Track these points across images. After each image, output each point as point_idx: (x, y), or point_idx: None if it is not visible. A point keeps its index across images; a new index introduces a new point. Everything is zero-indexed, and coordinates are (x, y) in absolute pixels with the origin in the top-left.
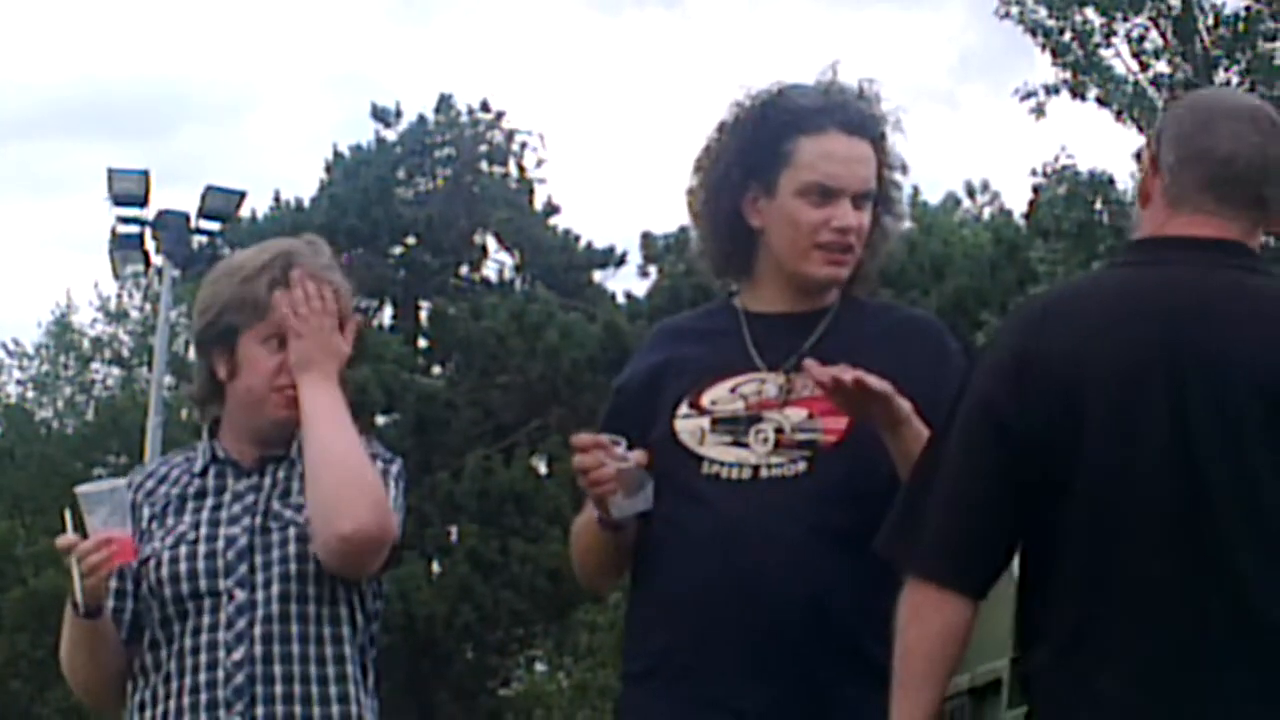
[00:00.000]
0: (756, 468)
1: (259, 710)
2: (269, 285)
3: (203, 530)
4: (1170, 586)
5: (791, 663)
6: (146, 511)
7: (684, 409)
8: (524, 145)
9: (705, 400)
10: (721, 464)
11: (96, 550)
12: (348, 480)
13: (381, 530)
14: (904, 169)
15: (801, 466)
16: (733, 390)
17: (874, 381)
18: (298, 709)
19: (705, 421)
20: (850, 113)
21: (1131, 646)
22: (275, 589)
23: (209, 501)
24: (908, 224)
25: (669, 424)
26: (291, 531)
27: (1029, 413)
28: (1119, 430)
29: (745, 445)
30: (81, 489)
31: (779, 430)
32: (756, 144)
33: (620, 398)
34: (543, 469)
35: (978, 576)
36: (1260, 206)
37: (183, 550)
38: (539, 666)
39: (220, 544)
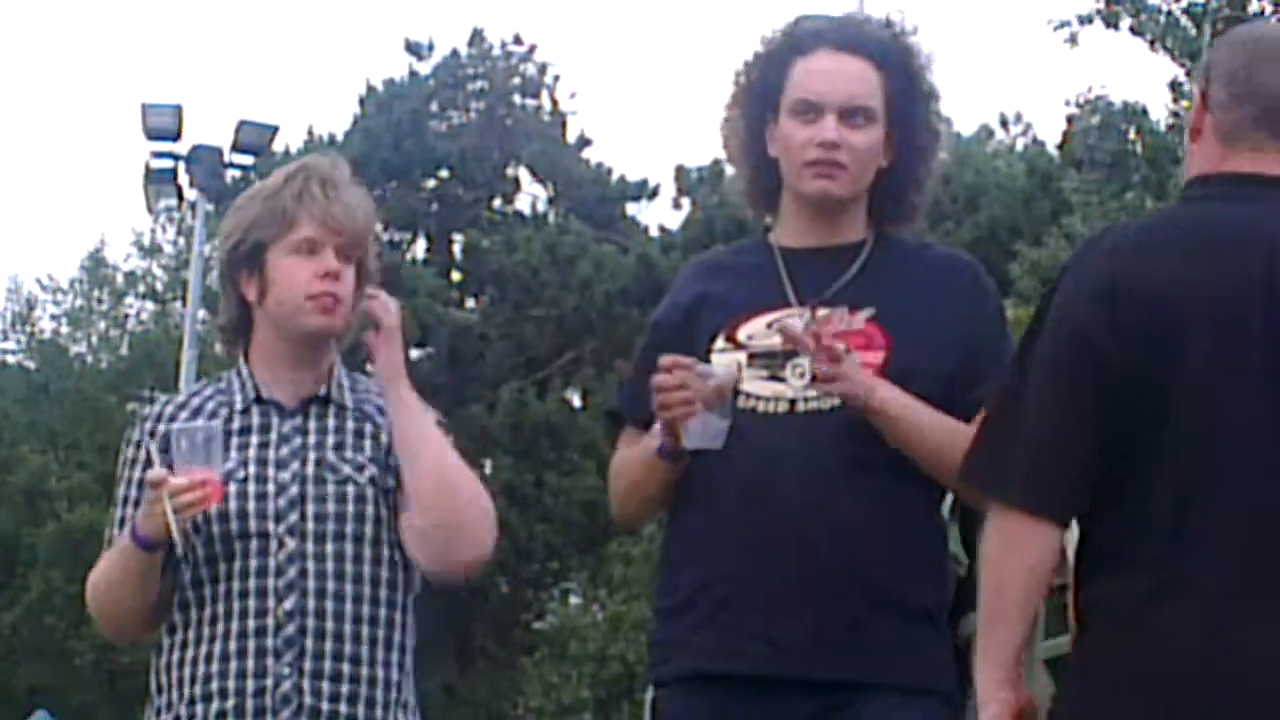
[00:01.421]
0: (793, 401)
1: (307, 663)
2: (292, 197)
3: (251, 469)
4: (1266, 514)
5: (826, 593)
6: (184, 443)
7: (720, 344)
8: (556, 78)
9: (741, 335)
10: (758, 397)
11: (191, 490)
12: (468, 507)
13: (492, 546)
14: (932, 96)
15: (836, 400)
16: (769, 325)
17: (847, 384)
18: (345, 666)
19: (741, 356)
20: (845, 33)
21: (1224, 573)
22: (330, 546)
23: (254, 439)
24: (943, 156)
25: (704, 358)
26: (350, 489)
27: (1126, 342)
28: (1218, 361)
29: (781, 379)
30: (176, 426)
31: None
32: (766, 74)
33: (657, 332)
34: (576, 401)
35: (1070, 504)
36: None
37: (232, 488)
38: (573, 599)
39: (270, 487)
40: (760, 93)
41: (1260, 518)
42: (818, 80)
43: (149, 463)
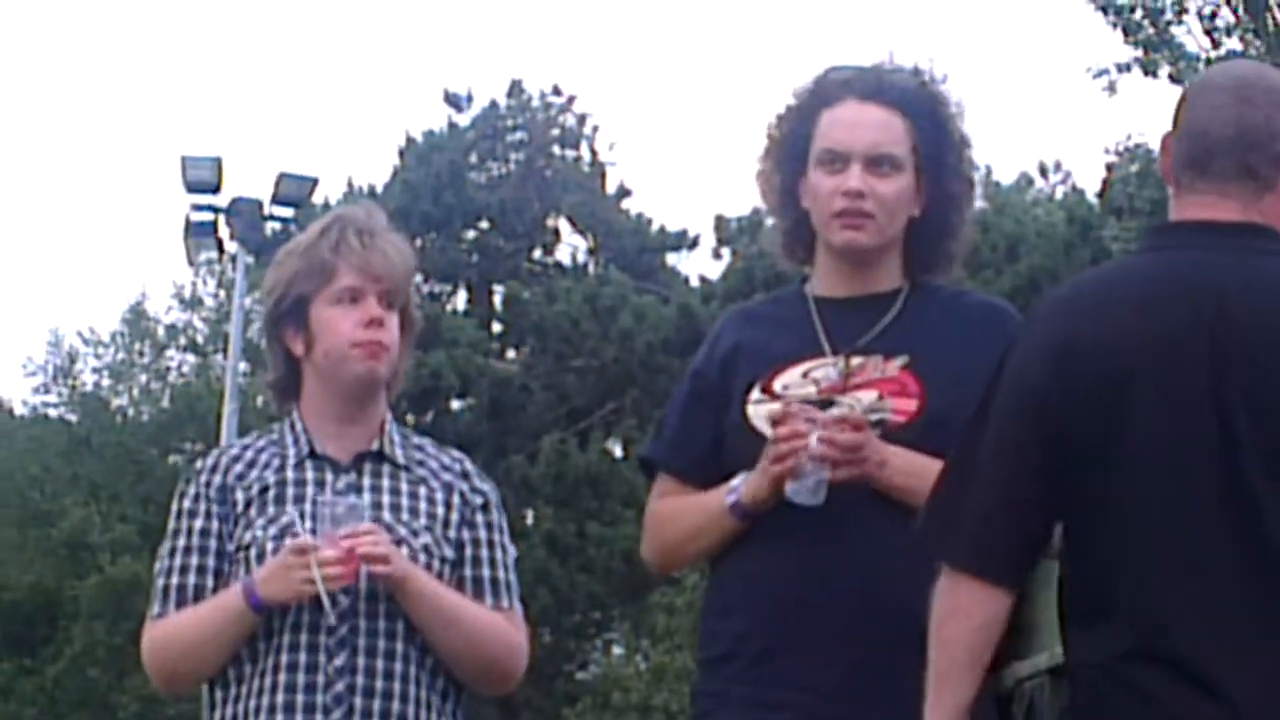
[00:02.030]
0: None
1: None
2: (329, 248)
3: (308, 524)
4: (1211, 567)
5: (873, 643)
6: (240, 495)
7: (756, 394)
8: (595, 128)
9: (777, 385)
10: None
11: (338, 563)
12: (497, 664)
13: (523, 670)
14: (963, 143)
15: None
16: (804, 375)
17: (861, 470)
18: None
19: (777, 406)
20: (869, 82)
21: (1173, 623)
22: (382, 604)
23: (309, 493)
24: (982, 203)
25: (741, 409)
26: (404, 553)
27: (1071, 398)
28: (1162, 419)
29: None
30: (324, 498)
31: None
32: (796, 126)
33: (696, 382)
34: (618, 452)
35: (1017, 568)
36: (1250, 176)
37: (287, 544)
38: (616, 650)
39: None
40: (791, 145)
41: (1211, 575)
42: (841, 130)
43: (208, 515)
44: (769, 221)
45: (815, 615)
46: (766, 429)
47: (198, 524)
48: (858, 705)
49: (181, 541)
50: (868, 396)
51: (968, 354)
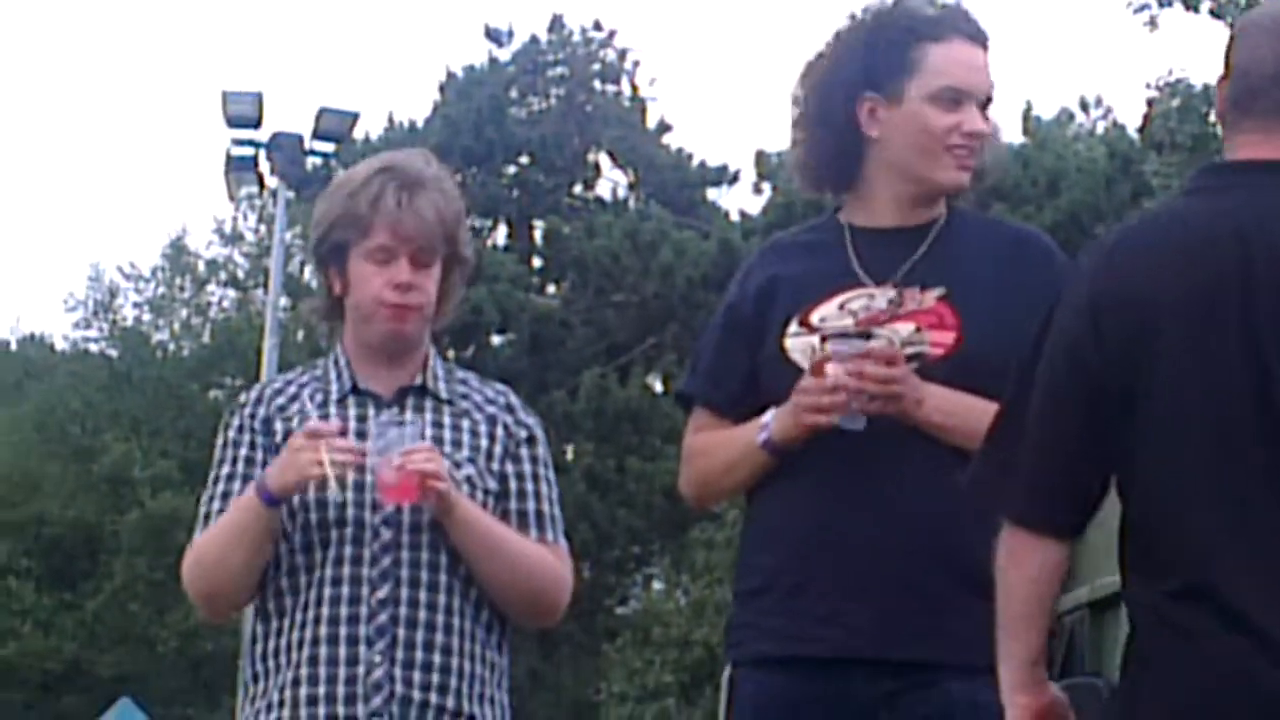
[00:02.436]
0: None
1: (399, 652)
2: (368, 202)
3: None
4: (1248, 503)
5: (903, 576)
6: (282, 427)
7: (793, 327)
8: (636, 63)
9: (814, 318)
10: None
11: (347, 450)
12: (542, 595)
13: (567, 603)
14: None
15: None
16: (841, 307)
17: (897, 407)
18: (437, 657)
19: (815, 339)
20: (970, 22)
21: (1213, 560)
22: (425, 536)
23: (351, 427)
24: (1023, 138)
25: (778, 342)
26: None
27: (1107, 351)
28: (1190, 362)
29: None
30: (380, 418)
31: (892, 345)
32: (876, 52)
33: (730, 315)
34: (658, 387)
35: (1070, 519)
36: None
37: (298, 430)
38: (656, 584)
39: (369, 477)
40: (866, 70)
41: (1249, 510)
42: (966, 71)
43: (252, 445)
44: (795, 144)
45: (847, 550)
46: (804, 362)
47: (242, 453)
48: (888, 640)
49: (225, 470)
50: (905, 329)
51: (1005, 285)
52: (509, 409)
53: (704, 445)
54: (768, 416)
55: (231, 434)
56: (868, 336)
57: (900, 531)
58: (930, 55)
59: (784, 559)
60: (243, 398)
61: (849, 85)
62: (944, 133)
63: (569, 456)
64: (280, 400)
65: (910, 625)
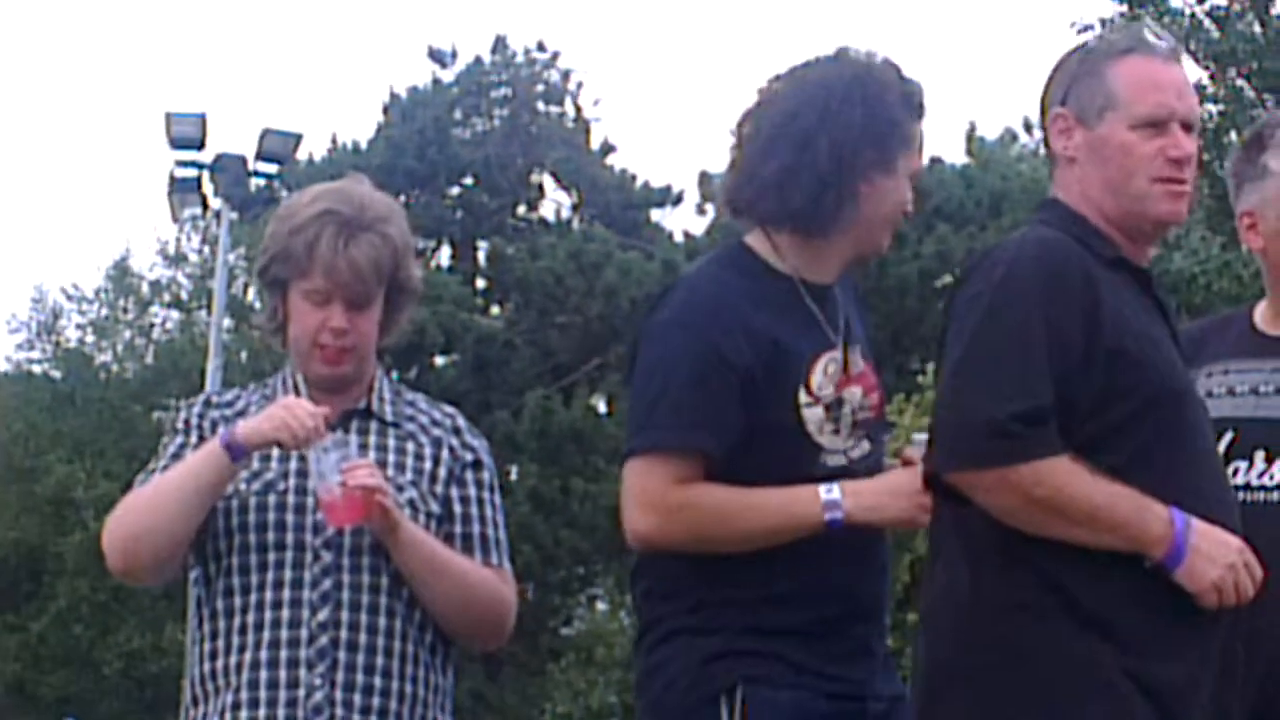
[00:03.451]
0: (846, 452)
1: (339, 675)
2: (305, 245)
3: (291, 482)
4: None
5: (879, 635)
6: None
7: (804, 398)
8: (580, 85)
9: (814, 385)
10: (830, 452)
11: (313, 418)
12: (485, 617)
13: (511, 627)
14: None
15: (866, 446)
16: (825, 372)
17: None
18: (377, 680)
19: (820, 409)
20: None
21: None
22: (366, 559)
23: (294, 451)
24: (966, 159)
25: (796, 414)
26: None
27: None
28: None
29: (837, 430)
30: (316, 444)
31: (852, 410)
32: (878, 121)
33: (731, 371)
34: (602, 408)
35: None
36: None
37: (271, 499)
38: (600, 605)
39: (309, 500)
40: (866, 138)
41: None
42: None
43: (200, 440)
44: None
45: (862, 608)
46: (816, 435)
47: (192, 440)
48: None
49: (172, 450)
50: (856, 391)
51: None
52: (455, 431)
53: (713, 503)
54: (832, 494)
55: (179, 425)
56: (841, 402)
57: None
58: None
59: (810, 615)
60: (189, 400)
61: (864, 154)
62: (897, 204)
63: (513, 477)
64: (229, 412)
65: (882, 679)
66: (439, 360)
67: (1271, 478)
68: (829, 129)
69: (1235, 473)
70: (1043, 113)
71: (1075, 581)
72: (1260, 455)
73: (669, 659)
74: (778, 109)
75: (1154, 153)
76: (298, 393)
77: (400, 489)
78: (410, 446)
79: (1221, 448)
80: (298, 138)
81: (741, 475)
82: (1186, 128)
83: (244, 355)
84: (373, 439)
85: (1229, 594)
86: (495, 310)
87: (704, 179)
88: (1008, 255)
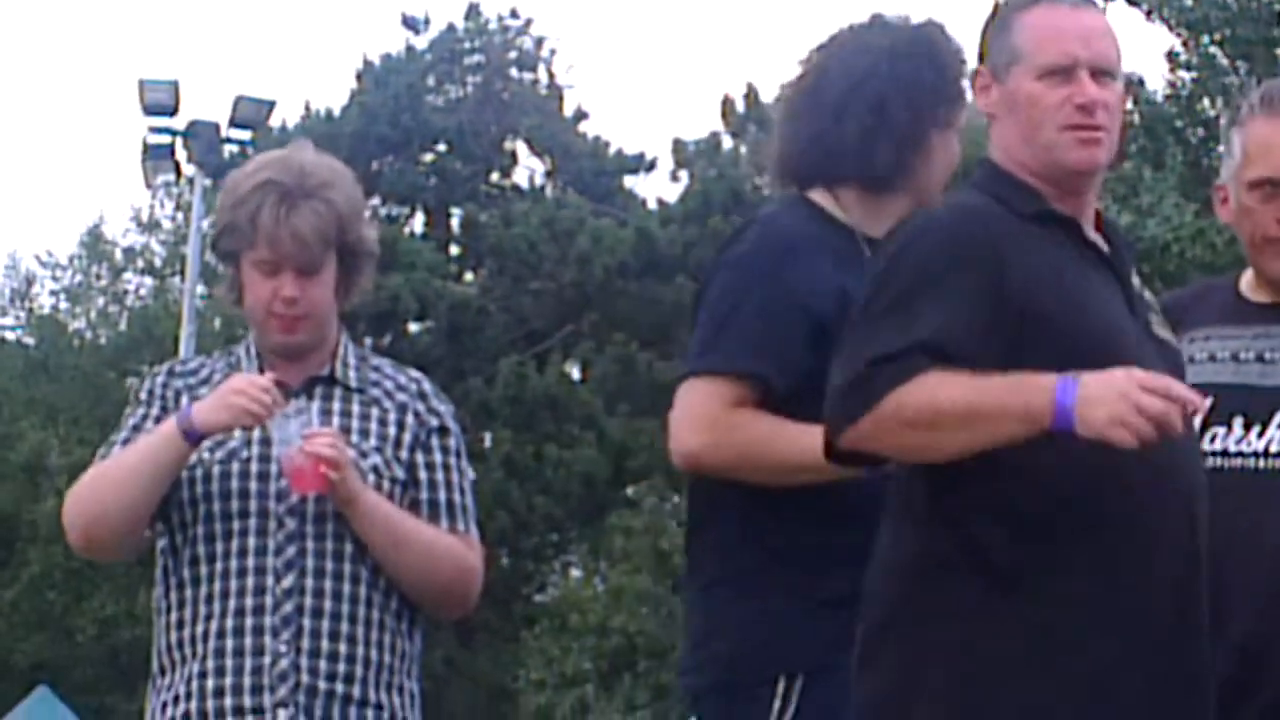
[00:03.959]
0: None
1: (305, 641)
2: (248, 217)
3: (255, 449)
4: None
5: None
6: (187, 402)
7: None
8: (553, 51)
9: None
10: None
11: (266, 392)
12: (451, 587)
13: (478, 594)
14: None
15: None
16: None
17: None
18: (343, 646)
19: None
20: None
21: None
22: (330, 525)
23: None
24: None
25: None
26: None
27: None
28: None
29: None
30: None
31: None
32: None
33: (808, 309)
34: (576, 374)
35: None
36: None
37: (234, 467)
38: (574, 572)
39: (273, 466)
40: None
41: None
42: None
43: (163, 410)
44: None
45: None
46: None
47: (154, 412)
48: None
49: (133, 421)
50: None
51: None
52: (421, 396)
53: (766, 429)
54: None
55: (143, 396)
56: None
57: None
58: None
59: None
60: (154, 369)
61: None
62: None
63: (486, 444)
64: (193, 380)
65: None
66: (413, 327)
67: (1249, 444)
68: (903, 89)
69: (1214, 439)
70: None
71: (991, 540)
72: (1239, 421)
73: (740, 622)
74: (839, 74)
75: (1060, 101)
76: (260, 361)
77: (364, 455)
78: (374, 412)
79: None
80: (271, 104)
81: (796, 420)
82: (1097, 74)
83: (217, 322)
84: (336, 405)
85: (1135, 423)
86: (469, 277)
87: (677, 145)
88: (913, 222)
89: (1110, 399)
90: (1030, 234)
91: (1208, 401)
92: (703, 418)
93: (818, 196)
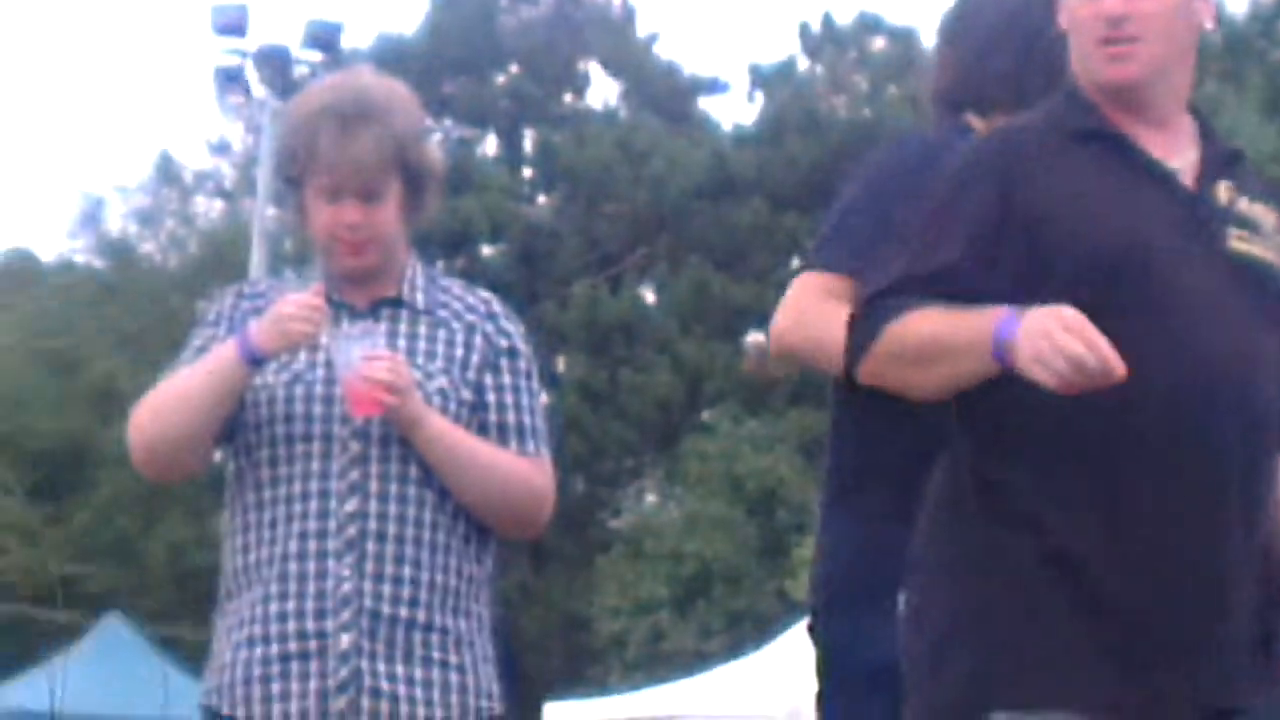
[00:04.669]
0: None
1: (369, 565)
2: (305, 143)
3: (319, 372)
4: None
5: None
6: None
7: None
8: None
9: None
10: None
11: (311, 308)
12: (521, 508)
13: (549, 515)
14: None
15: None
16: None
17: None
18: (406, 570)
19: None
20: None
21: None
22: (395, 448)
23: (322, 340)
24: None
25: None
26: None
27: None
28: None
29: None
30: (340, 330)
31: None
32: None
33: None
34: (650, 298)
35: None
36: None
37: (299, 390)
38: (649, 497)
39: (338, 390)
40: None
41: None
42: None
43: (230, 330)
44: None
45: None
46: None
47: (220, 333)
48: None
49: (198, 343)
50: None
51: None
52: (490, 317)
53: (834, 316)
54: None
55: (210, 317)
56: None
57: None
58: None
59: None
60: (224, 290)
61: None
62: None
63: (560, 369)
64: (261, 302)
65: None
66: (486, 250)
67: None
68: (1054, 20)
69: None
70: None
71: (1009, 480)
72: None
73: (833, 543)
74: (993, 4)
75: (1091, 16)
76: (327, 285)
77: (430, 377)
78: (442, 334)
79: None
80: (339, 28)
81: None
82: None
83: (288, 244)
84: (403, 327)
85: (1054, 363)
86: (542, 200)
87: (755, 72)
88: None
89: (1034, 335)
90: (1066, 151)
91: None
92: (795, 302)
93: (973, 121)
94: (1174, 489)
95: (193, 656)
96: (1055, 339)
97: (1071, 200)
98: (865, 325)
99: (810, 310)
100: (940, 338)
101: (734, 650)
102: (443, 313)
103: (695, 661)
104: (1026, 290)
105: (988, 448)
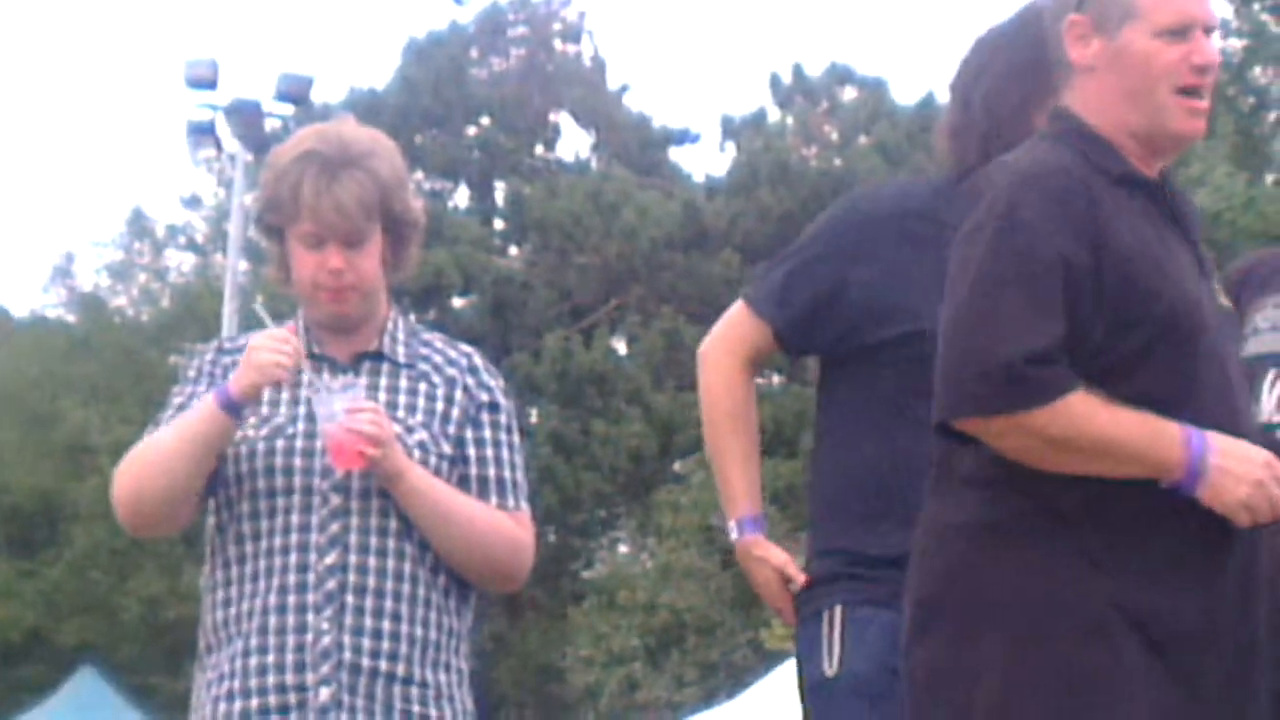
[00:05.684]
0: None
1: (347, 619)
2: (290, 190)
3: (300, 426)
4: None
5: None
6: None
7: None
8: (596, 24)
9: None
10: None
11: (284, 341)
12: (502, 561)
13: (529, 568)
14: None
15: None
16: None
17: None
18: (386, 624)
19: None
20: None
21: None
22: (375, 501)
23: (304, 395)
24: None
25: None
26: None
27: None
28: None
29: None
30: (321, 383)
31: None
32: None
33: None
34: (622, 349)
35: None
36: None
37: (279, 444)
38: (622, 548)
39: (319, 443)
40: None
41: None
42: None
43: (210, 387)
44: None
45: None
46: None
47: (201, 389)
48: None
49: (178, 400)
50: None
51: None
52: (471, 371)
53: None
54: None
55: (190, 374)
56: None
57: None
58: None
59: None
60: (202, 346)
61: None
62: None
63: (533, 420)
64: (238, 356)
65: None
66: (457, 302)
67: None
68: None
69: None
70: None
71: (1063, 502)
72: None
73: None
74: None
75: (1177, 61)
76: (308, 338)
77: (410, 431)
78: (423, 387)
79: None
80: (310, 81)
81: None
82: (1208, 32)
83: (260, 298)
84: (384, 380)
85: (1261, 510)
86: (514, 251)
87: (724, 122)
88: (1008, 180)
89: (1248, 482)
90: (1117, 197)
91: None
92: (715, 331)
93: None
94: (1229, 544)
95: (167, 708)
96: (1272, 493)
97: (1140, 252)
98: (1006, 392)
99: (714, 344)
100: (1116, 442)
101: (707, 701)
102: (424, 366)
103: (668, 712)
104: (1111, 347)
105: (1061, 477)
